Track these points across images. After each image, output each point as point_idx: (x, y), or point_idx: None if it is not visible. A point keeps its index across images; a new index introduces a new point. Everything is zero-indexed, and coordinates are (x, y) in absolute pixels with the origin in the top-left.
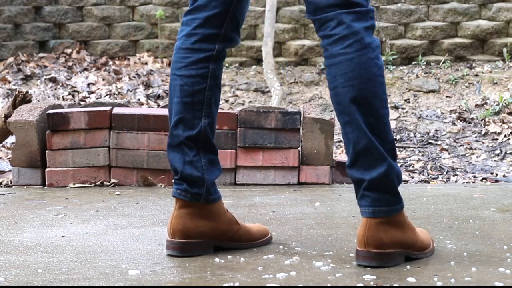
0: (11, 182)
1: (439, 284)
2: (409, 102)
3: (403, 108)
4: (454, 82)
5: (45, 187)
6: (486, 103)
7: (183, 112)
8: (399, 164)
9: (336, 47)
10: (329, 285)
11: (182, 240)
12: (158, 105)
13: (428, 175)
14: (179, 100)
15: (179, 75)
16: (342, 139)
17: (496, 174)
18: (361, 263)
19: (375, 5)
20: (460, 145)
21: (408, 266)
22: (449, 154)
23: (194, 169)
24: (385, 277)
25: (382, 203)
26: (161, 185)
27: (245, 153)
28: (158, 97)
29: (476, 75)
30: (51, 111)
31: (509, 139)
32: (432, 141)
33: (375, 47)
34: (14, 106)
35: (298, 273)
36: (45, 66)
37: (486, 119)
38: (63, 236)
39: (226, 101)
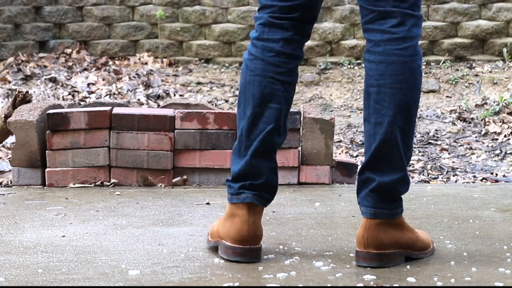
0: (11, 182)
1: (439, 284)
2: None
3: None
4: (454, 82)
5: (45, 187)
6: (486, 103)
7: (281, 119)
8: None
9: (392, 46)
10: (329, 285)
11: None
12: (158, 105)
13: (428, 175)
14: (280, 107)
15: (280, 80)
16: (342, 139)
17: (496, 174)
18: (361, 264)
19: None
20: (460, 145)
21: (408, 266)
22: (449, 154)
23: (275, 177)
24: (385, 277)
25: (385, 206)
26: (161, 185)
27: None
28: (158, 97)
29: (476, 75)
30: (51, 111)
31: (509, 139)
32: (432, 141)
33: (421, 55)
34: (14, 106)
35: (298, 273)
36: (45, 66)
37: (486, 119)
38: (63, 236)
39: (226, 101)
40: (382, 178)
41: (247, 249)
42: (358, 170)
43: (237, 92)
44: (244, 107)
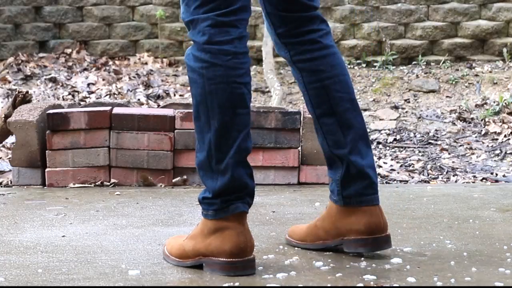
0: (11, 182)
1: (439, 284)
2: (409, 102)
3: (403, 108)
4: (454, 82)
5: (45, 187)
6: (486, 103)
7: (249, 124)
8: (399, 164)
9: (326, 40)
10: (329, 285)
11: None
12: (158, 105)
13: (428, 175)
14: (248, 111)
15: (243, 83)
16: None
17: (496, 174)
18: (383, 247)
19: (375, 5)
20: (460, 145)
21: (408, 266)
22: (449, 154)
23: (253, 181)
24: (385, 277)
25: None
26: (161, 185)
27: None
28: (158, 97)
29: (476, 75)
30: (51, 111)
31: (509, 139)
32: (432, 141)
33: None
34: (14, 106)
35: (298, 273)
36: (45, 66)
37: (486, 119)
38: (63, 236)
39: None
40: (368, 161)
41: (246, 261)
42: (346, 161)
43: None
44: (207, 119)
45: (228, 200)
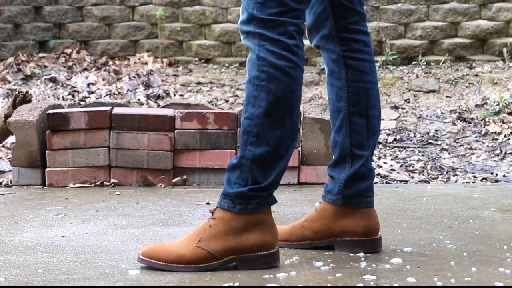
0: (11, 182)
1: (439, 284)
2: (409, 102)
3: (403, 108)
4: (454, 82)
5: (45, 187)
6: (486, 103)
7: None
8: (399, 164)
9: (371, 47)
10: (329, 285)
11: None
12: (158, 105)
13: (428, 175)
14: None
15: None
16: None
17: (496, 174)
18: (376, 249)
19: (375, 5)
20: (460, 145)
21: (408, 266)
22: (449, 154)
23: None
24: (385, 277)
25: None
26: (161, 185)
27: None
28: (158, 97)
29: (476, 75)
30: (51, 111)
31: (509, 139)
32: (432, 141)
33: None
34: (14, 106)
35: (298, 273)
36: (45, 66)
37: (486, 119)
38: (63, 236)
39: (226, 101)
40: (372, 167)
41: (278, 251)
42: (360, 162)
43: (237, 92)
44: (281, 117)
45: (270, 194)
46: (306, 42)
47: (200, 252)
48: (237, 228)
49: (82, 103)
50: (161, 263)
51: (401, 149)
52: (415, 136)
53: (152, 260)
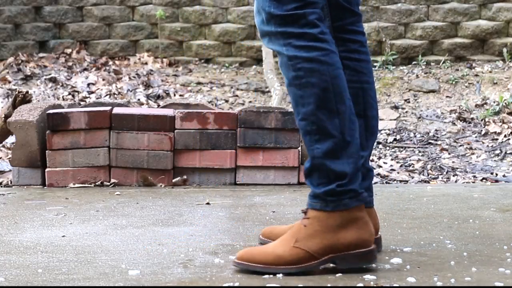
0: (11, 182)
1: (439, 284)
2: (409, 102)
3: (403, 108)
4: (454, 82)
5: (45, 187)
6: (486, 103)
7: None
8: (399, 164)
9: (367, 47)
10: (329, 285)
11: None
12: (158, 105)
13: (428, 175)
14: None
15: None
16: None
17: (496, 174)
18: (377, 249)
19: (375, 5)
20: (460, 145)
21: (408, 266)
22: (449, 154)
23: None
24: (385, 277)
25: None
26: (161, 185)
27: (245, 153)
28: (158, 97)
29: (476, 75)
30: (51, 111)
31: (509, 139)
32: (432, 141)
33: None
34: (14, 106)
35: (298, 273)
36: (45, 66)
37: (486, 119)
38: (63, 236)
39: (226, 101)
40: (371, 167)
41: (375, 248)
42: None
43: (237, 92)
44: (334, 105)
45: (356, 188)
46: None
47: (299, 252)
48: (333, 226)
49: (82, 103)
50: (260, 265)
51: (401, 149)
52: (415, 136)
53: (250, 263)
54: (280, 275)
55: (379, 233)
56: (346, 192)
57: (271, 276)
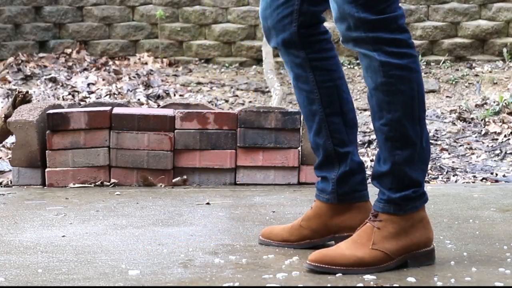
0: (11, 182)
1: (439, 284)
2: None
3: None
4: (454, 82)
5: (45, 187)
6: (486, 103)
7: None
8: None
9: (332, 41)
10: (329, 285)
11: None
12: (158, 105)
13: (428, 175)
14: None
15: None
16: None
17: (496, 174)
18: None
19: None
20: (460, 145)
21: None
22: (449, 154)
23: None
24: (385, 277)
25: None
26: (161, 185)
27: (245, 153)
28: (158, 97)
29: (476, 75)
30: (51, 111)
31: (509, 139)
32: (432, 141)
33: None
34: (14, 106)
35: (298, 273)
36: (45, 66)
37: (486, 119)
38: (63, 236)
39: (226, 101)
40: (360, 160)
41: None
42: (348, 159)
43: (237, 92)
44: (418, 112)
45: (425, 189)
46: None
47: (378, 254)
48: (406, 227)
49: (82, 103)
50: (342, 268)
51: None
52: None
53: (331, 266)
54: (281, 274)
55: None
56: (420, 197)
57: (271, 276)
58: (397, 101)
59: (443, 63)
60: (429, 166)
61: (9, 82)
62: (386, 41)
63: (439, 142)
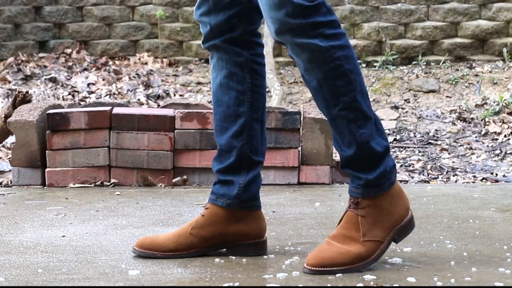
0: (11, 182)
1: (439, 284)
2: (409, 102)
3: (403, 108)
4: (454, 82)
5: (45, 187)
6: (486, 103)
7: None
8: (399, 164)
9: None
10: (329, 285)
11: None
12: (158, 105)
13: (428, 175)
14: None
15: None
16: None
17: (496, 174)
18: (266, 250)
19: (375, 5)
20: (460, 145)
21: (408, 266)
22: (449, 154)
23: None
24: (385, 277)
25: None
26: (161, 185)
27: None
28: (158, 97)
29: (476, 75)
30: (51, 111)
31: (509, 139)
32: (432, 141)
33: None
34: (14, 106)
35: (298, 273)
36: (45, 66)
37: (486, 119)
38: (63, 236)
39: None
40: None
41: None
42: (257, 168)
43: None
44: (364, 86)
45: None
46: None
47: (371, 244)
48: (387, 207)
49: (82, 103)
50: (344, 267)
51: (401, 149)
52: (415, 136)
53: (333, 268)
54: (281, 274)
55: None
56: (392, 170)
57: (271, 276)
58: (349, 81)
59: (443, 63)
60: (429, 166)
61: (9, 82)
62: (323, 24)
63: (439, 142)
